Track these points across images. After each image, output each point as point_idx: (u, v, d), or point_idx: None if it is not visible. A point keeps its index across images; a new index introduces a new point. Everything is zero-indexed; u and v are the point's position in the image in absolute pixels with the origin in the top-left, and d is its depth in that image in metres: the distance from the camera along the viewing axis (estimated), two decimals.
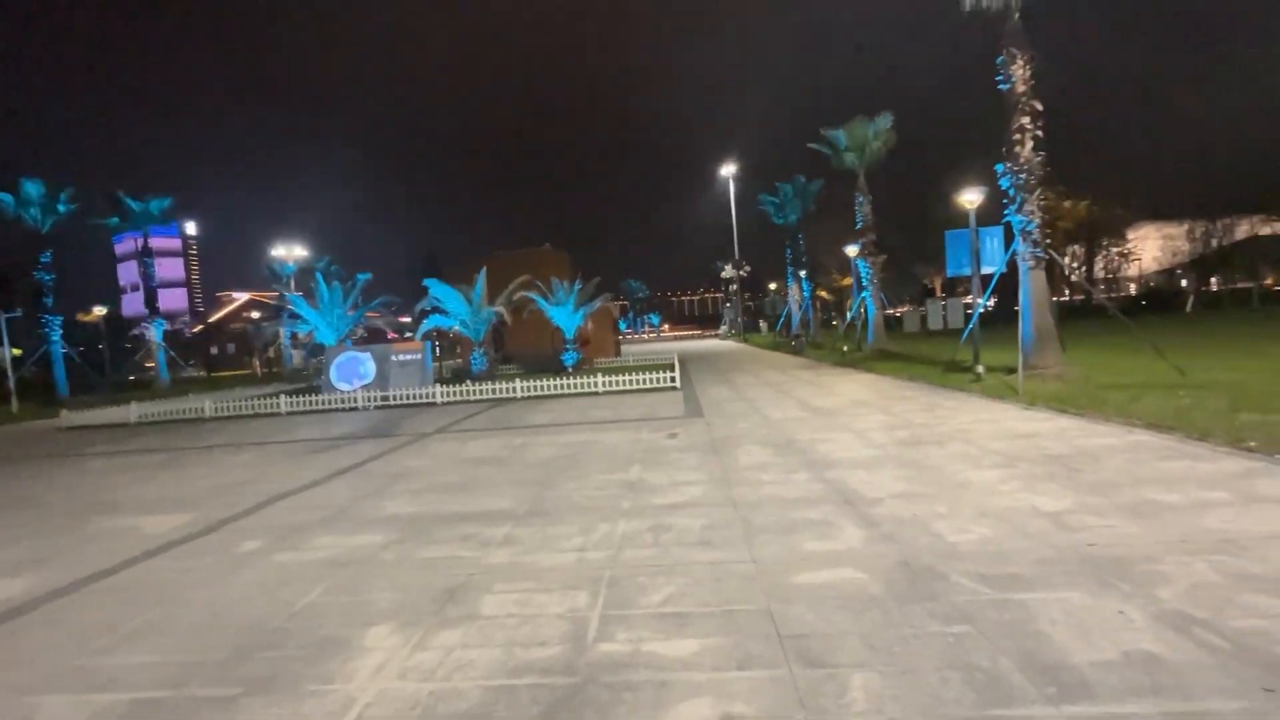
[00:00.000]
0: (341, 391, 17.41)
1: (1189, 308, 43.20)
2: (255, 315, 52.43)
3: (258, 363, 44.89)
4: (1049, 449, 6.68)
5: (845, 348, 24.19)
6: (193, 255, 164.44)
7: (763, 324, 64.34)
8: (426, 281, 21.96)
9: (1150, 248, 58.71)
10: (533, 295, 22.71)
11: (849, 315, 29.89)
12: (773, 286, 62.11)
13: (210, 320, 66.79)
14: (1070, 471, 5.74)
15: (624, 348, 41.27)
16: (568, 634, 3.32)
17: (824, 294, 50.06)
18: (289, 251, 37.58)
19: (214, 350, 58.37)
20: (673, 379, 16.30)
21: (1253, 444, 6.11)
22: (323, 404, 16.70)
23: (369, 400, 16.65)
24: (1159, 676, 2.59)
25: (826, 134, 23.75)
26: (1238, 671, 2.59)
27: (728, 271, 62.46)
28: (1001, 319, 25.92)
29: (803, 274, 36.37)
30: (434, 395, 16.62)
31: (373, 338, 26.08)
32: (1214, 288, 56.99)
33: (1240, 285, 53.44)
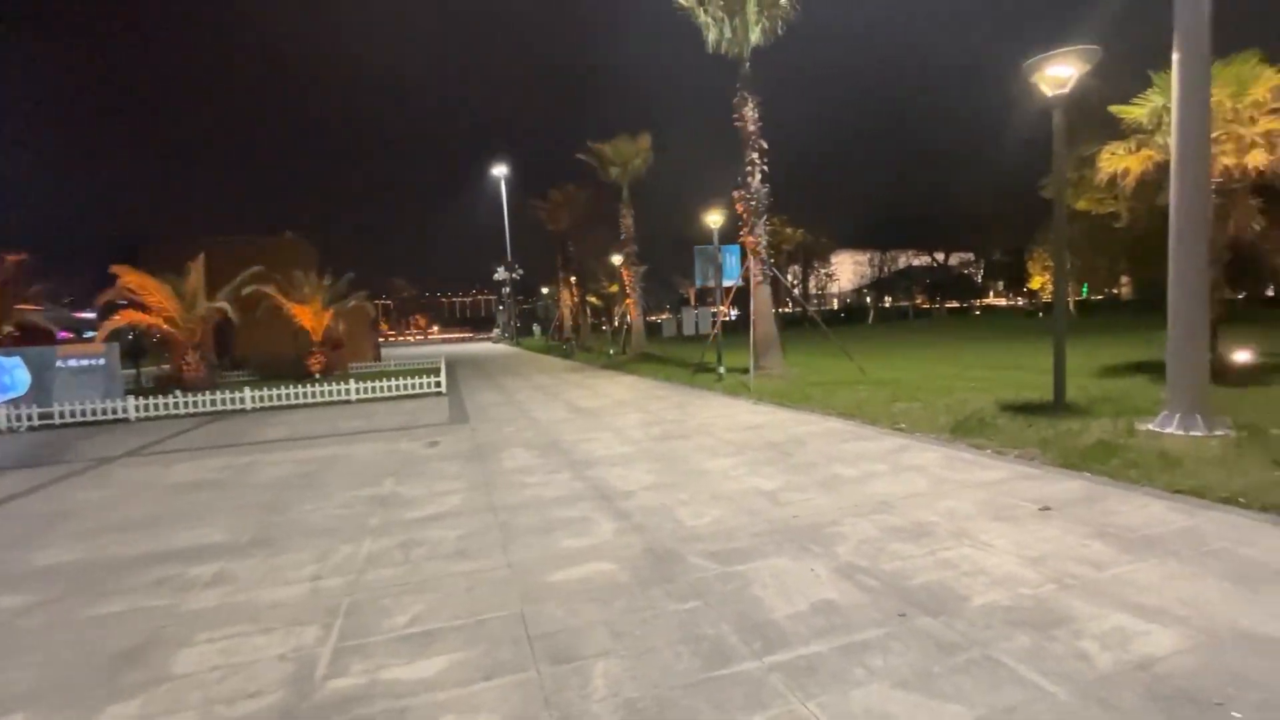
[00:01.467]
0: None
1: (871, 320, 54.66)
2: None
3: None
4: (770, 437, 7.84)
5: (611, 351, 25.56)
6: None
7: (536, 327, 64.75)
8: (117, 268, 17.55)
9: (846, 271, 73.05)
10: (270, 290, 19.62)
11: (617, 321, 31.69)
12: (545, 290, 62.89)
13: None
14: (783, 455, 6.81)
15: (387, 351, 38.00)
16: (289, 677, 2.90)
17: (594, 299, 52.22)
18: None
19: None
20: (438, 384, 15.48)
21: (903, 425, 7.93)
22: None
23: (17, 419, 12.71)
24: (833, 618, 3.19)
25: (594, 146, 24.85)
26: (884, 605, 3.31)
27: (500, 274, 61.56)
28: (741, 326, 29.90)
29: (573, 279, 37.49)
30: (125, 409, 13.36)
31: (30, 337, 19.94)
32: (887, 303, 73.14)
33: (902, 303, 69.42)
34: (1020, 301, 67.44)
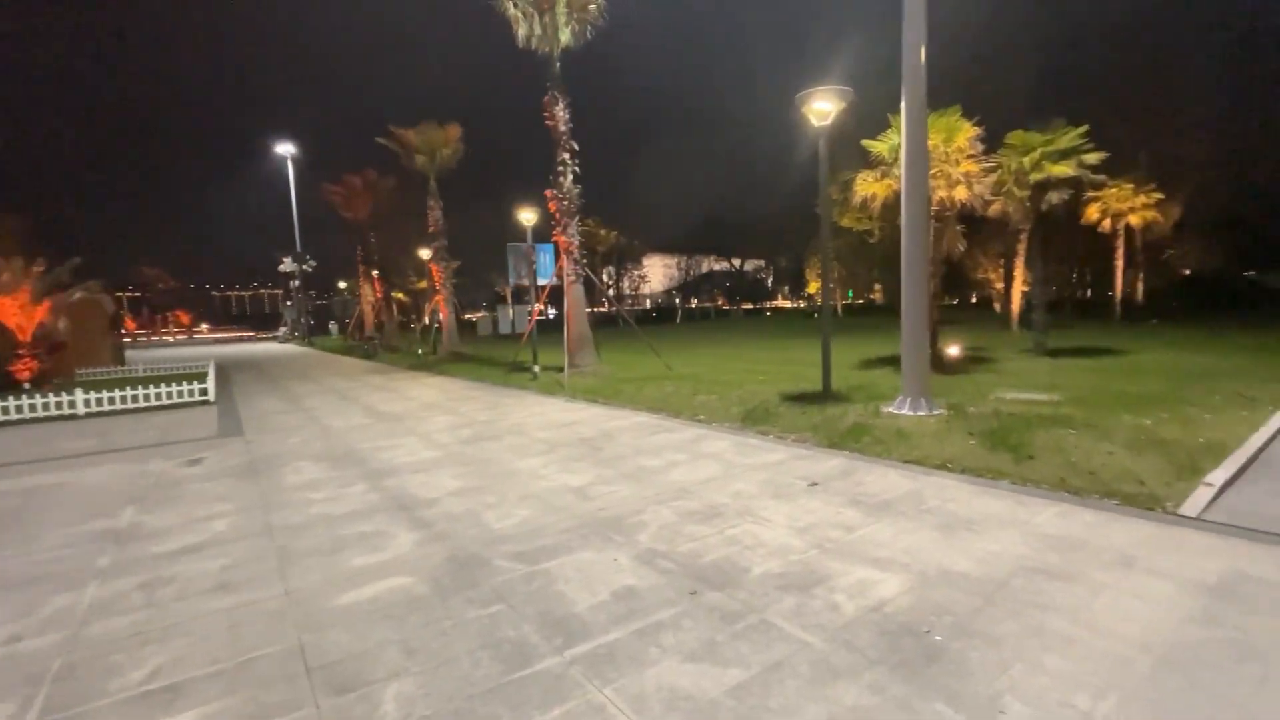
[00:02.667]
0: None
1: (678, 319, 58.37)
2: None
3: None
4: (582, 433, 7.98)
5: (420, 351, 24.05)
6: None
7: (333, 326, 58.54)
8: None
9: (657, 273, 77.13)
10: None
11: (426, 319, 29.87)
12: (342, 285, 57.11)
13: None
14: (594, 450, 6.98)
15: (136, 354, 31.48)
16: None
17: (400, 296, 48.71)
18: None
19: None
20: (204, 392, 13.24)
21: (702, 416, 8.59)
22: None
23: None
24: (633, 603, 3.34)
25: (396, 132, 23.13)
26: (679, 585, 3.55)
27: (288, 265, 54.40)
28: (559, 324, 30.01)
29: (375, 273, 34.54)
30: None
31: None
32: (693, 304, 78.74)
33: (705, 304, 75.28)
34: (802, 304, 77.12)
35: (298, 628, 3.25)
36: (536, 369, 14.29)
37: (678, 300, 74.41)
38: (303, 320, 50.85)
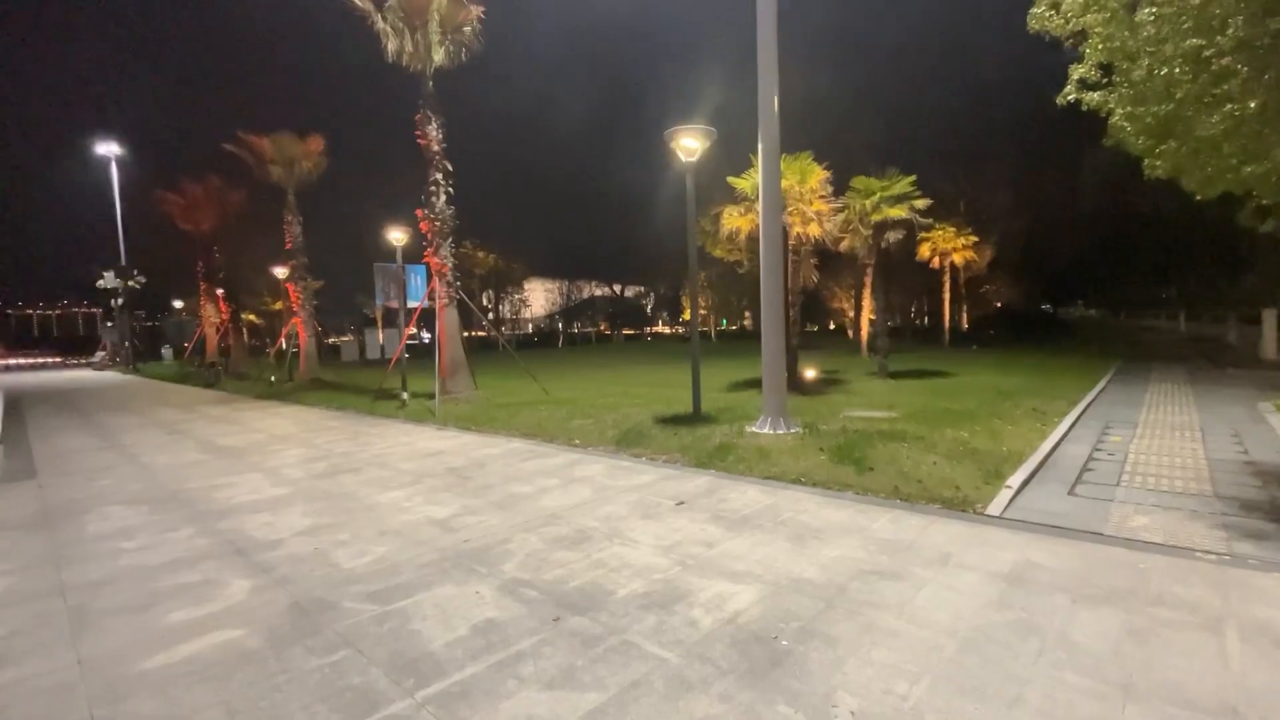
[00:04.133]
0: None
1: (560, 344, 58.16)
2: None
3: None
4: (451, 463, 7.66)
5: (274, 378, 21.88)
6: None
7: (167, 350, 51.72)
8: None
9: (539, 298, 76.50)
10: None
11: (282, 343, 27.31)
12: (179, 305, 50.88)
13: None
14: (462, 480, 6.72)
15: None
16: None
17: (251, 317, 44.25)
18: None
19: None
20: None
21: (577, 440, 8.59)
22: None
23: None
24: (493, 636, 3.24)
25: (247, 139, 21.22)
26: (541, 613, 3.49)
27: (109, 281, 47.34)
28: (432, 349, 28.69)
29: (219, 292, 31.12)
30: None
31: None
32: (575, 330, 78.83)
33: (587, 329, 75.72)
34: (680, 330, 79.96)
35: (90, 701, 2.79)
36: (405, 395, 13.54)
37: (560, 325, 74.21)
38: (127, 344, 44.30)
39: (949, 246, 28.95)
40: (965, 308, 34.79)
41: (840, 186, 15.32)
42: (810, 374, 12.81)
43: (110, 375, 36.22)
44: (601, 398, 13.37)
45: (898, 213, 16.25)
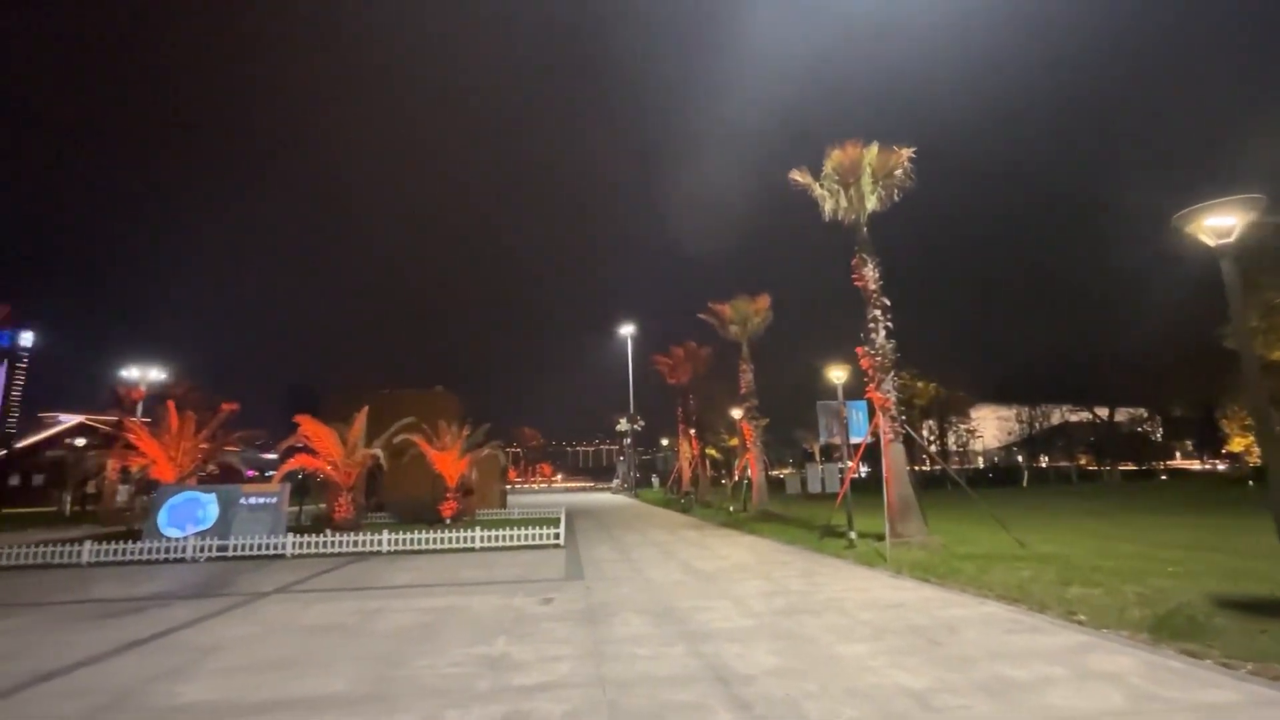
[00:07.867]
0: (169, 539, 14.92)
1: (1024, 482, 48.56)
2: (81, 442, 45.41)
3: (68, 498, 37.97)
4: (913, 620, 6.85)
5: (731, 508, 24.57)
6: (21, 369, 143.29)
7: (654, 479, 64.57)
8: (299, 417, 20.35)
9: (990, 427, 67.02)
10: (417, 439, 21.59)
11: (737, 476, 30.84)
12: (664, 442, 63.52)
13: (19, 445, 56.51)
14: (931, 644, 5.87)
15: (512, 498, 39.38)
16: None
17: (713, 452, 51.63)
18: (142, 373, 33.91)
19: (14, 481, 49.03)
20: (557, 536, 15.56)
21: (1082, 617, 6.61)
22: (140, 554, 14.13)
23: (200, 550, 14.33)
24: None
25: (714, 307, 26.15)
26: None
27: (622, 425, 63.34)
28: (873, 485, 27.72)
29: (692, 432, 37.63)
30: (284, 546, 14.65)
31: (226, 476, 23.13)
32: (1043, 464, 65.02)
33: (1061, 464, 61.43)
34: (1218, 465, 57.27)
35: None
36: (853, 535, 13.17)
37: (1020, 458, 62.59)
38: (631, 474, 57.51)
39: None
40: None
41: None
42: None
43: (620, 498, 46.98)
44: (1105, 557, 10.26)
45: None
